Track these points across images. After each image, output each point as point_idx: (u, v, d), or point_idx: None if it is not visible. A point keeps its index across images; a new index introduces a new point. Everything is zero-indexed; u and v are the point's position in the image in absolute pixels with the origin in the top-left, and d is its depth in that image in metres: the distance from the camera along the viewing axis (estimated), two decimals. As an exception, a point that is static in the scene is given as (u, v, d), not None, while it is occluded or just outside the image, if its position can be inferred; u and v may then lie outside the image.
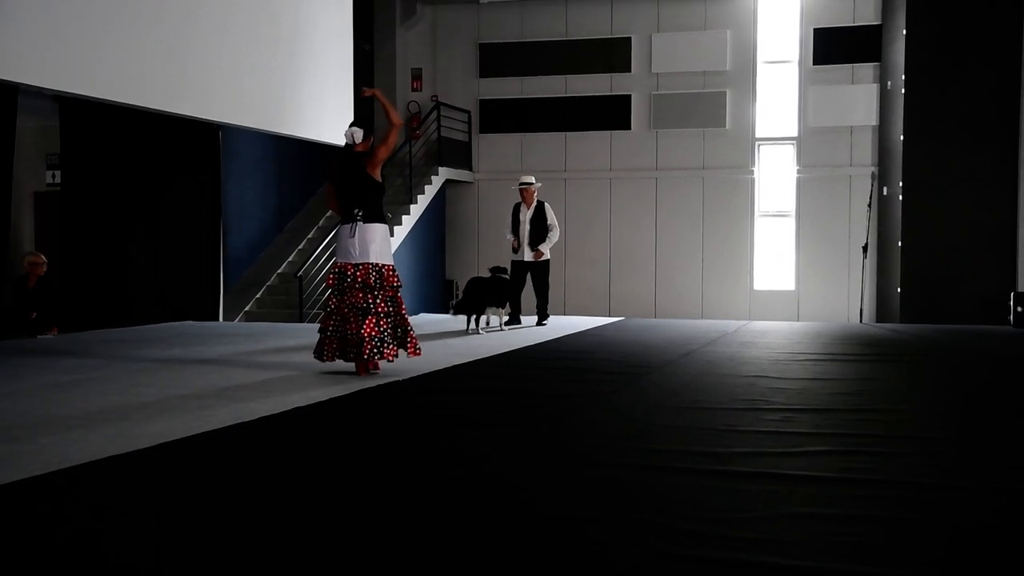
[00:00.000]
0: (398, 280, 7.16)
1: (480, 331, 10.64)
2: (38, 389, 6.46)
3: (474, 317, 10.70)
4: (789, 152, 16.91)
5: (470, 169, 17.96)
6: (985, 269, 14.53)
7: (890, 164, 15.66)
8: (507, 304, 11.29)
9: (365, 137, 7.23)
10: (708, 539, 3.13)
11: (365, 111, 12.85)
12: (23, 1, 8.34)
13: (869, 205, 16.15)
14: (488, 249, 16.85)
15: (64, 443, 4.64)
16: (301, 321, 13.45)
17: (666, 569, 2.89)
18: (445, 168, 17.09)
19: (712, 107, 16.98)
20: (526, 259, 11.77)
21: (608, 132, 17.47)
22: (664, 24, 17.24)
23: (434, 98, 17.73)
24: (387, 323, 7.01)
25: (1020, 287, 14.17)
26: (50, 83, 8.87)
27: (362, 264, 7.00)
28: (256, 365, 7.80)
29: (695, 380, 6.89)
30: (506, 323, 11.39)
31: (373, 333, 6.90)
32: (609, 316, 15.03)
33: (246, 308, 14.66)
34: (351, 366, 7.14)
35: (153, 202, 12.92)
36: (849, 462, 4.22)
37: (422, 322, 12.28)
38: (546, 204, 11.95)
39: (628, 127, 17.39)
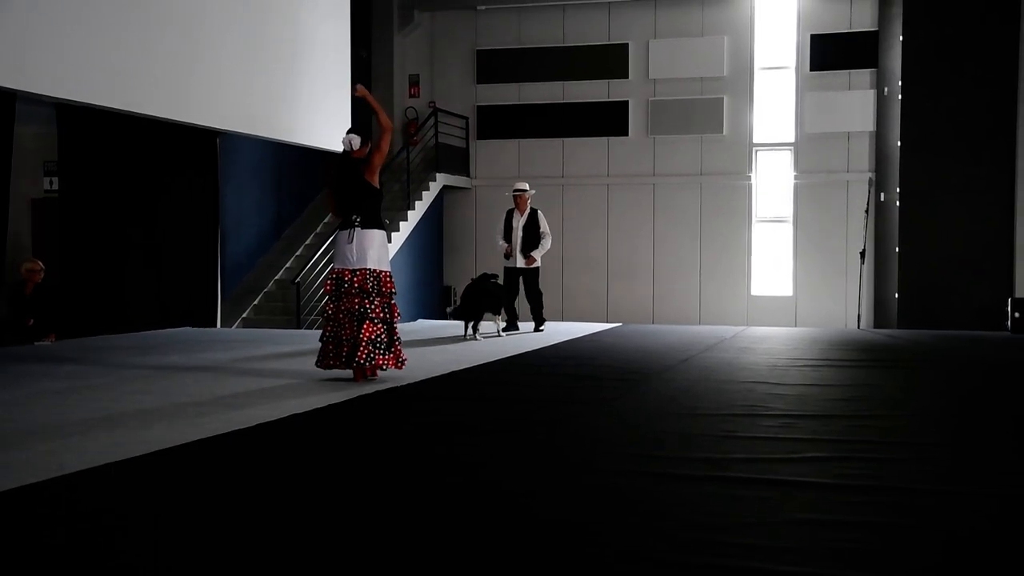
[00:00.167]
0: (394, 287, 7.17)
1: (477, 337, 10.63)
2: (35, 396, 6.45)
3: (471, 323, 10.69)
4: (786, 158, 16.93)
5: (468, 175, 17.98)
6: (982, 275, 14.54)
7: (887, 170, 15.68)
8: (502, 310, 11.29)
9: (363, 144, 7.24)
10: (706, 545, 3.13)
11: (363, 118, 12.85)
12: (21, 8, 8.35)
13: (866, 211, 16.17)
14: (485, 255, 16.84)
15: (62, 450, 4.63)
16: (299, 328, 13.44)
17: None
18: (443, 174, 17.10)
19: (709, 113, 17.00)
20: (518, 266, 11.78)
21: (605, 138, 17.48)
22: (661, 30, 17.27)
23: (432, 104, 17.75)
24: (382, 328, 7.01)
25: (1017, 293, 14.19)
26: (48, 90, 8.87)
27: (359, 270, 7.01)
28: (254, 372, 7.80)
29: (693, 386, 6.89)
30: (504, 329, 11.39)
31: (369, 338, 6.90)
32: (607, 322, 15.03)
33: (244, 314, 14.66)
34: (349, 373, 7.14)
35: (151, 209, 12.91)
36: (846, 468, 4.22)
37: (420, 328, 12.29)
38: (539, 211, 11.96)
39: (626, 133, 17.41)
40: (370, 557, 3.09)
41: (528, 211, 11.82)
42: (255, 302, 14.94)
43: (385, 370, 7.13)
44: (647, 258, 17.31)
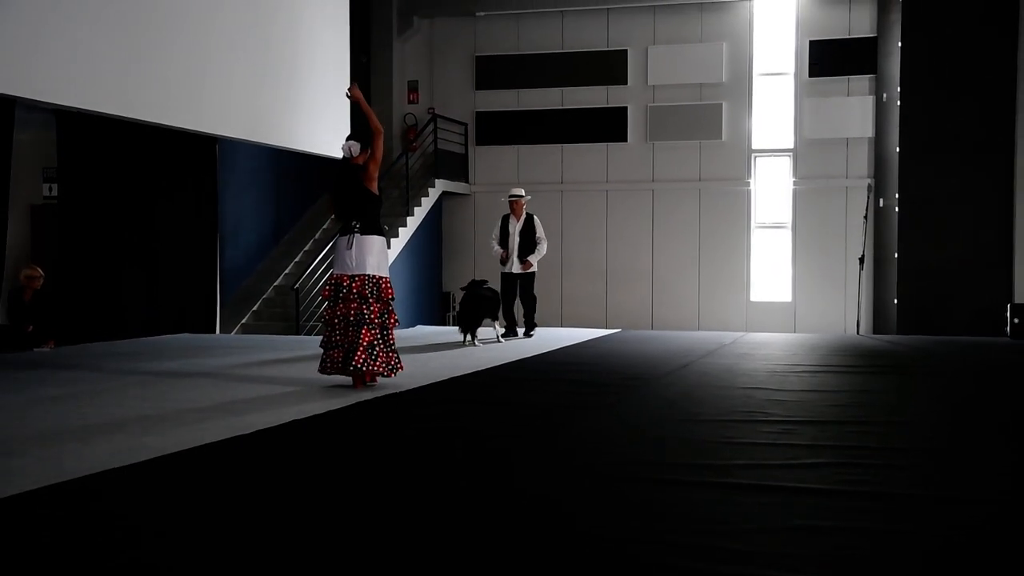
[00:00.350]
0: (393, 293, 7.17)
1: (476, 343, 10.63)
2: (35, 402, 6.45)
3: (470, 330, 10.69)
4: (785, 164, 16.94)
5: (467, 181, 17.98)
6: (982, 280, 14.54)
7: (886, 176, 15.70)
8: (500, 316, 11.30)
9: (362, 150, 7.24)
10: (706, 551, 3.13)
11: (362, 123, 12.86)
12: (20, 14, 8.36)
13: (865, 217, 16.17)
14: (484, 261, 16.82)
15: (61, 456, 4.63)
16: (298, 334, 13.43)
17: (664, 582, 2.89)
18: (442, 180, 17.10)
19: (708, 119, 17.02)
20: (515, 271, 11.78)
21: (604, 144, 17.49)
22: (660, 36, 17.29)
23: (431, 110, 17.76)
24: (379, 333, 7.00)
25: (1016, 298, 14.19)
26: (47, 96, 8.87)
27: (358, 275, 7.01)
28: (253, 378, 7.79)
29: (693, 392, 6.89)
30: (502, 335, 11.39)
31: (368, 343, 6.90)
32: (606, 328, 15.03)
33: (243, 321, 14.65)
34: (350, 380, 7.14)
35: (150, 215, 12.91)
36: (846, 474, 4.22)
37: (419, 334, 12.28)
38: (535, 217, 11.96)
39: (624, 139, 17.42)
40: (375, 561, 3.08)
41: (524, 216, 11.83)
42: (254, 308, 14.93)
43: (386, 376, 7.13)
44: (646, 264, 17.32)
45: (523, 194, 11.97)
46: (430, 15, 18.10)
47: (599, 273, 17.49)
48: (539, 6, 17.45)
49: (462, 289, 11.05)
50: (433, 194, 16.91)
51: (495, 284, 11.52)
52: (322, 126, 12.66)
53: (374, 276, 7.03)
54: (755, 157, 17.03)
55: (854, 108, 16.43)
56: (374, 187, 7.20)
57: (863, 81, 16.44)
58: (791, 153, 16.86)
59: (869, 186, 16.21)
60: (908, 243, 14.86)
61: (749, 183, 16.99)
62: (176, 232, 13.03)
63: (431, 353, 9.73)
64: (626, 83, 17.42)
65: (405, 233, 15.95)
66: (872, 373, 8.21)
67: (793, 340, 11.82)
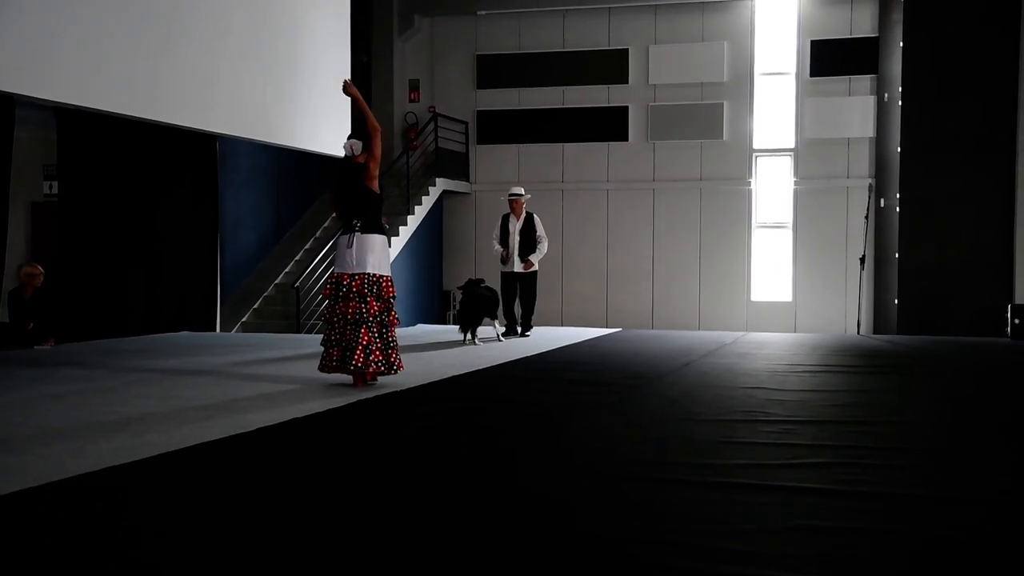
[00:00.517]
0: (394, 292, 7.16)
1: (476, 342, 10.63)
2: (35, 400, 6.45)
3: (470, 329, 10.68)
4: (786, 164, 16.93)
5: (467, 180, 17.98)
6: (982, 281, 14.53)
7: (887, 176, 15.69)
8: (500, 315, 11.30)
9: (364, 149, 7.24)
10: (707, 551, 3.13)
11: (363, 123, 12.85)
12: (20, 12, 8.35)
13: (866, 217, 16.18)
14: (485, 260, 16.82)
15: (62, 454, 4.63)
16: (298, 332, 13.43)
17: (666, 581, 2.88)
18: (442, 179, 17.10)
19: (709, 119, 17.01)
20: (516, 270, 11.77)
21: (605, 143, 17.49)
22: (661, 36, 17.28)
23: (431, 109, 17.75)
24: (377, 332, 6.99)
25: (1017, 299, 14.18)
26: (47, 94, 8.87)
27: (358, 274, 7.00)
28: (254, 376, 7.79)
29: (693, 391, 6.89)
30: (503, 334, 11.39)
31: (365, 342, 6.89)
32: (606, 327, 15.02)
33: (243, 319, 14.65)
34: (350, 378, 7.13)
35: (150, 213, 12.91)
36: (846, 474, 4.22)
37: (419, 333, 12.28)
38: (535, 215, 11.96)
39: (625, 138, 17.42)
40: (378, 560, 3.08)
41: (524, 215, 11.83)
42: (254, 306, 14.93)
43: (387, 375, 7.12)
44: (647, 263, 17.31)
45: (523, 193, 11.96)
46: (431, 14, 18.09)
47: (599, 272, 17.48)
48: (540, 5, 17.44)
49: (459, 289, 11.04)
50: (434, 193, 16.91)
51: (495, 283, 11.52)
52: (323, 124, 12.66)
53: (374, 275, 7.02)
54: (756, 157, 17.02)
55: (855, 108, 16.43)
56: (375, 185, 7.19)
57: (864, 81, 16.44)
58: (792, 153, 16.85)
59: (870, 186, 16.21)
60: (909, 243, 14.86)
61: (750, 183, 16.98)
62: (176, 230, 13.02)
63: (432, 352, 9.72)
64: (627, 82, 17.41)
65: (406, 232, 15.95)
66: (873, 373, 8.20)
67: (794, 340, 11.81)
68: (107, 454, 4.60)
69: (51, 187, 14.20)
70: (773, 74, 16.99)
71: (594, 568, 3.02)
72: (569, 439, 5.18)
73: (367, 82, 17.51)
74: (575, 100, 17.62)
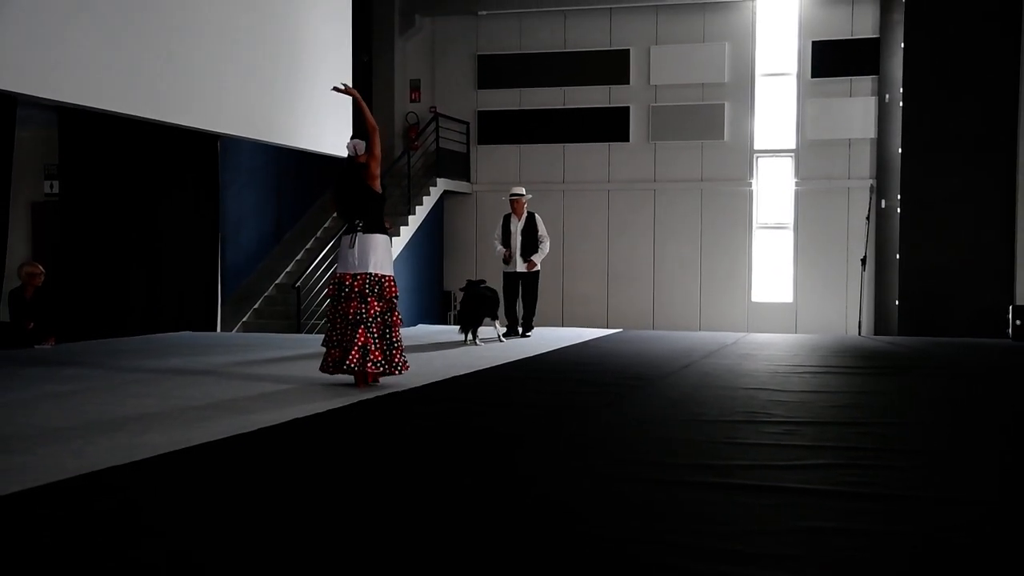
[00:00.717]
0: (396, 292, 7.15)
1: (478, 343, 10.62)
2: (36, 399, 6.44)
3: (471, 329, 10.68)
4: (787, 164, 16.93)
5: (468, 180, 17.97)
6: (983, 282, 14.53)
7: (888, 177, 15.69)
8: (501, 315, 11.29)
9: (367, 149, 7.24)
10: (708, 552, 3.12)
11: (363, 123, 12.84)
12: (22, 11, 8.35)
13: (867, 218, 16.17)
14: (486, 260, 16.82)
15: (62, 454, 4.62)
16: (299, 332, 13.42)
17: (668, 583, 2.88)
18: (443, 179, 17.09)
19: (710, 119, 17.01)
20: (518, 270, 11.77)
21: (606, 144, 17.48)
22: (663, 36, 17.28)
23: (432, 109, 17.75)
24: (377, 331, 6.97)
25: (1018, 300, 14.18)
26: (49, 93, 8.87)
27: (360, 274, 6.99)
28: (254, 376, 7.78)
29: (695, 392, 6.88)
30: (504, 335, 11.38)
31: (363, 343, 6.88)
32: (607, 328, 15.02)
33: (244, 319, 14.65)
34: (351, 378, 7.12)
35: (151, 212, 12.91)
36: (848, 475, 4.21)
37: (420, 333, 12.27)
38: (537, 215, 11.95)
39: (626, 139, 17.41)
40: (379, 560, 3.07)
41: (525, 215, 11.82)
42: (255, 306, 14.93)
43: (392, 375, 7.11)
44: (648, 264, 17.31)
45: (524, 193, 11.96)
46: (432, 14, 18.09)
47: (600, 273, 17.48)
48: (541, 5, 17.44)
49: (461, 290, 11.03)
50: (435, 193, 16.91)
51: (496, 284, 11.51)
52: (323, 124, 12.66)
53: (376, 274, 7.01)
54: (757, 157, 17.02)
55: (856, 109, 16.42)
56: (376, 185, 7.19)
57: (865, 82, 16.43)
58: (793, 154, 16.85)
59: (871, 187, 16.21)
60: (910, 244, 14.85)
61: (751, 183, 16.98)
62: (177, 230, 13.02)
63: (433, 352, 9.72)
64: (628, 83, 17.40)
65: (407, 232, 15.95)
66: (874, 374, 8.20)
67: (795, 341, 11.81)
68: (107, 454, 4.59)
69: (52, 186, 14.21)
70: (774, 75, 16.98)
71: (595, 569, 3.01)
72: (570, 440, 5.17)
73: (368, 82, 17.50)
74: (576, 100, 17.61)
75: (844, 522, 3.48)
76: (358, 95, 7.48)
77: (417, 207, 16.37)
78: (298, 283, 13.88)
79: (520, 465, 4.54)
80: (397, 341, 7.09)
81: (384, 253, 7.11)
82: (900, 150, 14.97)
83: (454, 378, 7.63)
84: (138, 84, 9.66)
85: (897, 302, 14.95)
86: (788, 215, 16.93)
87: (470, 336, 10.67)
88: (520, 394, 6.84)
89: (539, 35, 17.76)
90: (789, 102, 16.87)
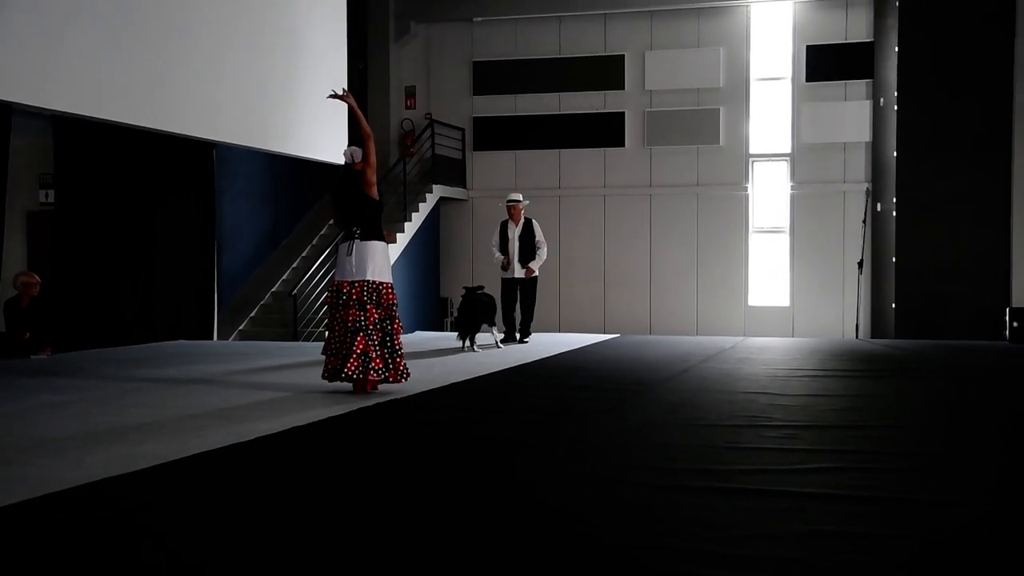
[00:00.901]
0: (395, 299, 7.13)
1: (475, 349, 10.61)
2: (32, 410, 6.41)
3: (468, 335, 10.66)
4: (783, 169, 16.94)
5: (464, 187, 17.97)
6: (980, 284, 14.53)
7: (884, 180, 15.70)
8: (499, 321, 11.28)
9: (364, 156, 7.23)
10: (711, 557, 3.11)
11: (357, 130, 12.83)
12: (16, 20, 8.33)
13: (863, 221, 16.18)
14: (482, 266, 16.80)
15: (60, 464, 4.60)
16: (296, 339, 13.40)
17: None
18: (439, 186, 17.09)
19: (706, 124, 17.02)
20: (516, 276, 11.76)
21: (602, 149, 17.49)
22: (657, 42, 17.29)
23: (428, 116, 17.75)
24: (378, 340, 6.96)
25: (1014, 302, 14.18)
26: (44, 102, 8.85)
27: (357, 282, 6.98)
28: (252, 384, 7.76)
29: (694, 397, 6.87)
30: (502, 340, 11.36)
31: (362, 351, 6.86)
32: (604, 333, 15.01)
33: (240, 327, 14.61)
34: (350, 385, 7.10)
35: (147, 221, 12.88)
36: (850, 479, 4.21)
37: (417, 340, 12.25)
38: (534, 221, 11.95)
39: (622, 144, 17.42)
40: (378, 568, 3.05)
41: (523, 221, 11.82)
42: (252, 314, 14.90)
43: (390, 382, 7.09)
44: (644, 269, 17.30)
45: (521, 199, 11.95)
46: (427, 20, 18.09)
47: (597, 278, 17.47)
48: (536, 11, 17.45)
49: (462, 296, 11.01)
50: (431, 199, 16.90)
51: (494, 290, 11.50)
52: (319, 132, 12.64)
53: (374, 282, 7.00)
54: (753, 162, 17.03)
55: (851, 112, 16.44)
56: (373, 192, 7.18)
57: (860, 86, 16.46)
58: (788, 158, 16.86)
59: (867, 190, 16.22)
60: (906, 247, 14.86)
61: (747, 188, 16.99)
62: (173, 238, 13.00)
63: (431, 359, 9.70)
64: (623, 88, 17.42)
65: (403, 239, 15.93)
66: (872, 377, 8.20)
67: (792, 344, 11.81)
68: (106, 464, 4.57)
69: (47, 196, 14.17)
70: (769, 79, 17.01)
71: (595, 574, 2.99)
72: (569, 445, 5.16)
73: (363, 89, 17.50)
74: (571, 106, 17.62)
75: (844, 526, 3.47)
76: (353, 102, 7.47)
77: (413, 214, 16.36)
78: (295, 291, 13.86)
79: (520, 471, 4.52)
80: (399, 348, 7.08)
81: (382, 260, 7.10)
82: (895, 153, 14.98)
83: (453, 384, 7.61)
84: (133, 92, 9.64)
85: (894, 305, 14.95)
86: (784, 219, 16.94)
87: (468, 343, 10.65)
88: (519, 400, 6.83)
89: (534, 41, 17.77)
90: (784, 106, 16.89)
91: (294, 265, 15.73)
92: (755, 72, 17.02)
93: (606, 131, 17.43)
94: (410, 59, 18.32)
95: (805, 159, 16.72)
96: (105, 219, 12.65)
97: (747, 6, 16.91)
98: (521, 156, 17.79)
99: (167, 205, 12.99)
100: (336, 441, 5.35)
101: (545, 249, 11.87)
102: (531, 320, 11.99)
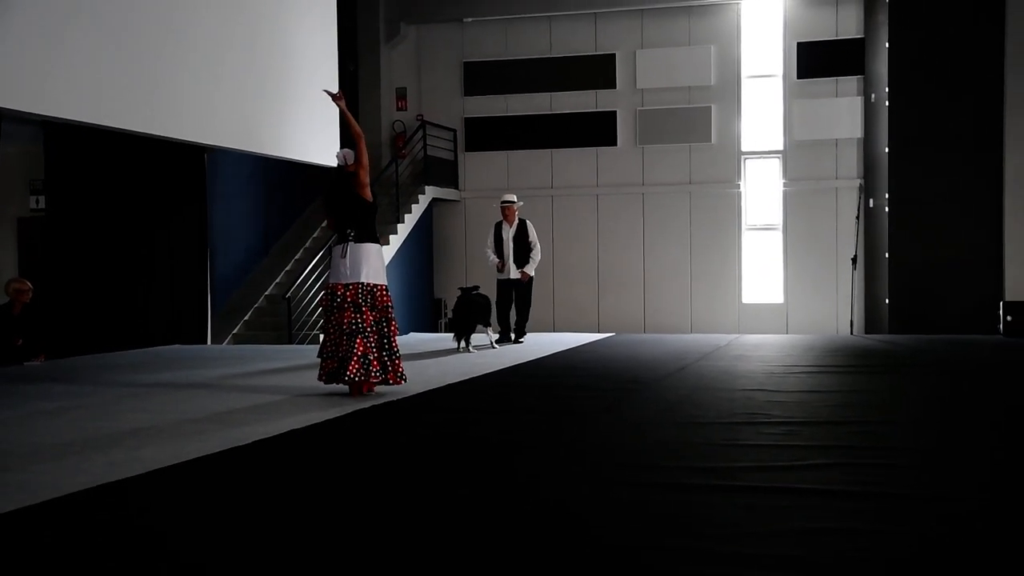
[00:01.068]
0: (390, 300, 7.12)
1: (471, 350, 10.60)
2: (27, 417, 6.39)
3: (463, 336, 10.65)
4: (775, 166, 16.96)
5: (456, 187, 17.96)
6: (973, 279, 14.57)
7: (876, 176, 15.73)
8: (494, 322, 11.27)
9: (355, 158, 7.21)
10: (712, 555, 3.11)
11: (348, 131, 12.80)
12: (6, 25, 8.30)
13: (857, 217, 16.21)
14: (475, 267, 16.79)
15: (57, 471, 4.57)
16: (290, 343, 13.37)
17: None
18: (431, 187, 17.08)
19: (697, 122, 17.03)
20: (511, 277, 11.75)
21: (594, 148, 17.49)
22: (648, 40, 17.30)
23: (419, 117, 17.73)
24: (375, 342, 6.94)
25: (1008, 296, 14.22)
26: (34, 107, 8.81)
27: (352, 284, 6.97)
28: (247, 388, 7.74)
29: (692, 395, 6.87)
30: (496, 341, 11.36)
31: (362, 353, 6.85)
32: (598, 332, 15.01)
33: (234, 331, 14.57)
34: (346, 387, 7.09)
35: (139, 225, 12.84)
36: (850, 475, 4.21)
37: (412, 341, 12.24)
38: (528, 222, 11.94)
39: (614, 143, 17.43)
40: (377, 570, 3.04)
41: (517, 222, 11.80)
42: (245, 318, 14.86)
43: (389, 384, 7.07)
44: (637, 268, 17.31)
45: (515, 200, 11.95)
46: (417, 22, 18.08)
47: (591, 277, 17.47)
48: (526, 11, 17.44)
49: (457, 297, 11.01)
50: (423, 201, 16.88)
51: (489, 291, 11.49)
52: (311, 134, 12.62)
53: (368, 284, 6.98)
54: (745, 159, 17.05)
55: (843, 109, 16.47)
56: (367, 194, 7.16)
57: (851, 82, 16.48)
58: (780, 155, 16.89)
59: (859, 187, 16.25)
60: (899, 242, 14.89)
61: (739, 185, 17.00)
62: (166, 243, 12.96)
63: (427, 360, 9.69)
64: (615, 87, 17.42)
65: (396, 240, 15.91)
66: (868, 373, 8.21)
67: (787, 341, 11.82)
68: (104, 470, 4.55)
69: (38, 202, 14.14)
70: (760, 76, 17.02)
71: (596, 573, 2.99)
72: (569, 444, 5.15)
73: (354, 91, 17.48)
74: (563, 106, 17.62)
75: (845, 522, 3.46)
76: (343, 104, 7.44)
77: (406, 215, 16.34)
78: (288, 294, 13.83)
79: (520, 471, 4.52)
80: (396, 350, 7.06)
81: (376, 262, 7.08)
82: (887, 149, 15.01)
83: (449, 385, 7.61)
84: (124, 97, 9.61)
85: (887, 300, 14.98)
86: (777, 216, 16.96)
87: (463, 343, 10.64)
88: (517, 400, 6.82)
89: (524, 41, 17.77)
90: (775, 103, 16.91)
91: (287, 268, 15.70)
92: (746, 69, 17.04)
93: (598, 130, 17.43)
94: (401, 60, 18.30)
95: (797, 156, 16.75)
96: (97, 224, 12.61)
97: (737, 4, 16.93)
98: (513, 156, 17.78)
99: (159, 210, 12.95)
100: (334, 443, 5.33)
101: (538, 250, 11.87)
102: (526, 320, 11.99)
